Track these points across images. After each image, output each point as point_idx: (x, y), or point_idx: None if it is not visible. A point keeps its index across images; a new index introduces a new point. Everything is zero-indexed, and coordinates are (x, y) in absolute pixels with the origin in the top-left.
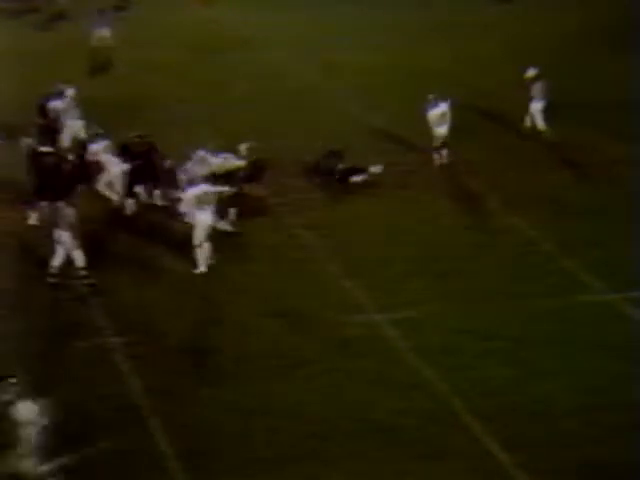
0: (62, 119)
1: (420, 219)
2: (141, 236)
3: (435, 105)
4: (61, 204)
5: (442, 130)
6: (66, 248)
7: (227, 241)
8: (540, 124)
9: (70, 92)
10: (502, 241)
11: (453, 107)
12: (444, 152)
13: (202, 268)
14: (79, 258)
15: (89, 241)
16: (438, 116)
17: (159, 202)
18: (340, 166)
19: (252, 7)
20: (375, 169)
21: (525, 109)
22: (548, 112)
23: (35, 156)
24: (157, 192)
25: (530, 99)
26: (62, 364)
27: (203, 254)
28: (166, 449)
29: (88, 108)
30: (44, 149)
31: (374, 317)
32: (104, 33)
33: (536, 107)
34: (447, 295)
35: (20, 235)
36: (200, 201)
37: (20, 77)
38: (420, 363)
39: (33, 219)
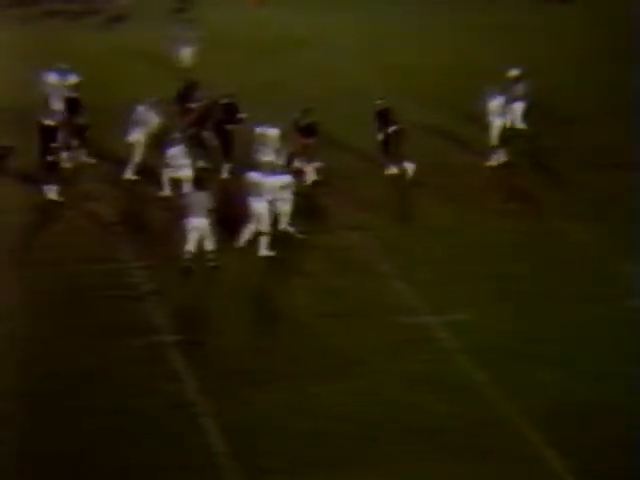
0: None
1: (470, 220)
2: None
3: (494, 97)
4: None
5: (500, 122)
6: (201, 234)
7: (281, 241)
8: (520, 124)
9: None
10: (553, 243)
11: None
12: (500, 152)
13: (264, 252)
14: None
15: (143, 238)
16: (497, 107)
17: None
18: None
19: (305, 8)
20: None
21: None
22: (530, 113)
23: None
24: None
25: (511, 99)
26: (116, 361)
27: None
28: (217, 448)
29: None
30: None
31: (426, 319)
32: (185, 54)
33: (518, 107)
34: (498, 297)
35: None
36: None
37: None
38: (471, 366)
39: (52, 193)
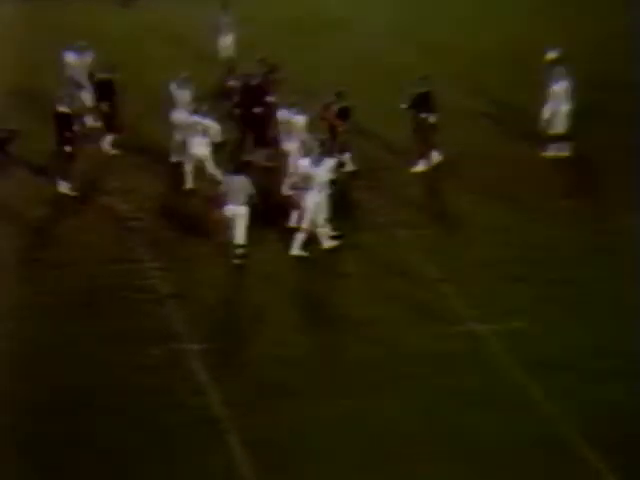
0: None
1: (524, 218)
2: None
3: (558, 80)
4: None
5: (566, 108)
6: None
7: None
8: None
9: None
10: (618, 244)
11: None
12: (564, 144)
13: (296, 251)
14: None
15: (163, 235)
16: (562, 91)
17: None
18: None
19: None
20: None
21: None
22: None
23: None
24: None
25: (549, 83)
26: (135, 371)
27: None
28: (246, 465)
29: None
30: None
31: (475, 327)
32: (228, 42)
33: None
34: (557, 304)
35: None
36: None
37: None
38: (526, 381)
39: (64, 187)
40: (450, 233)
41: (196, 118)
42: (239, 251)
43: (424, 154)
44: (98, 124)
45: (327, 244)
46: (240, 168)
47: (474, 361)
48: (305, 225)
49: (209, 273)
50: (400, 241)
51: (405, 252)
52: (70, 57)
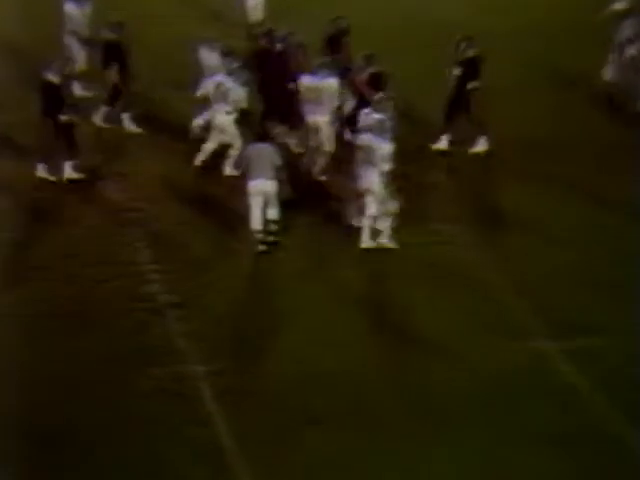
0: None
1: (587, 215)
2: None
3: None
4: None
5: None
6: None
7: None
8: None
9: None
10: None
11: None
12: None
13: (367, 243)
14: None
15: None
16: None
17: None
18: None
19: None
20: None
21: None
22: None
23: None
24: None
25: (616, 43)
26: (131, 396)
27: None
28: None
29: None
30: None
31: (543, 344)
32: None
33: (630, 53)
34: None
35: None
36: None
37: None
38: (604, 408)
39: (41, 171)
40: (505, 232)
41: (220, 79)
42: (268, 234)
43: (481, 131)
44: (89, 93)
45: (367, 243)
46: (265, 135)
47: (540, 383)
48: (373, 210)
49: (218, 276)
50: (448, 240)
51: (456, 253)
52: (70, 7)
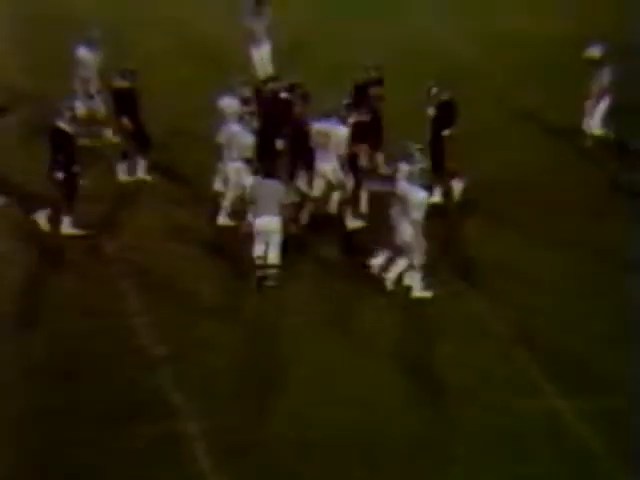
0: None
1: (594, 268)
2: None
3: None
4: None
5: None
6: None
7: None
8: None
9: None
10: None
11: None
12: None
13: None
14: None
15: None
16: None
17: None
18: None
19: None
20: None
21: None
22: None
23: None
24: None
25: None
26: (120, 457)
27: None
28: None
29: None
30: None
31: (555, 403)
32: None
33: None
34: None
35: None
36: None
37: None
38: (622, 476)
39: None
40: (520, 281)
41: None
42: (271, 274)
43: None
44: (90, 141)
45: (419, 293)
46: (272, 171)
47: (551, 445)
48: (419, 259)
49: (213, 328)
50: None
51: (458, 303)
52: (81, 52)
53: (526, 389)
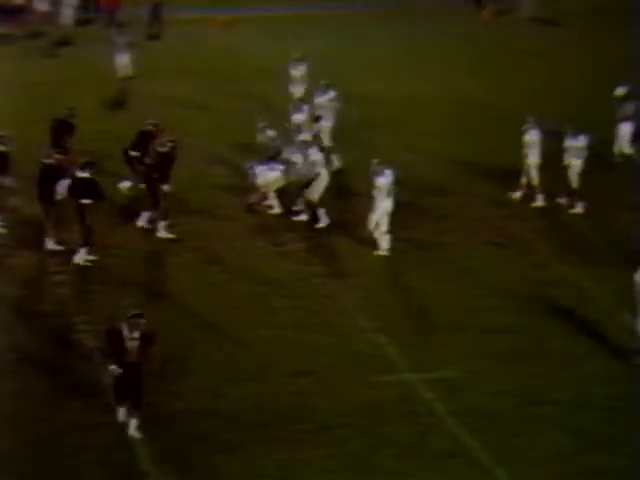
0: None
1: (463, 267)
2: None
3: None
4: None
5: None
6: None
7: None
8: (627, 148)
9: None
10: (554, 294)
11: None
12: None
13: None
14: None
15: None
16: (532, 142)
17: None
18: None
19: (271, 36)
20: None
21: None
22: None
23: None
24: None
25: (617, 121)
26: (57, 432)
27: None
28: None
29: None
30: None
31: (407, 377)
32: (125, 60)
33: (625, 130)
34: (491, 353)
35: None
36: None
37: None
38: (459, 429)
39: (50, 243)
40: (382, 282)
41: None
42: None
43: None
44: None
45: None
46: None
47: (406, 410)
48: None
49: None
50: (331, 292)
51: (336, 302)
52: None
53: (384, 366)
